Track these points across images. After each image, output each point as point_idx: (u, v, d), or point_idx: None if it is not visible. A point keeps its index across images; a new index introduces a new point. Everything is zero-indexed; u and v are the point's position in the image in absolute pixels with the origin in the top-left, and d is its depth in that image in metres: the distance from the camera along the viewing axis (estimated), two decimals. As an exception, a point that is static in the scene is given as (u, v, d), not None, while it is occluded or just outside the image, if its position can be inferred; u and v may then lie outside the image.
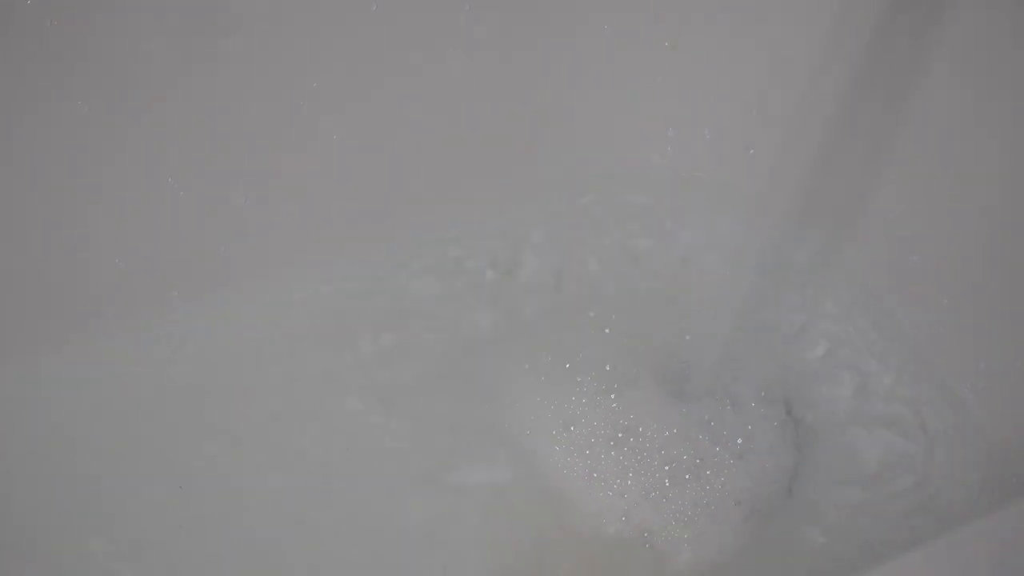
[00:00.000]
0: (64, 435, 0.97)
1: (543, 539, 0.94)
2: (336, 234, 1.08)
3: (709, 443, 0.97)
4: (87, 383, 0.99)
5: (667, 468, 0.96)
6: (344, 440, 0.98)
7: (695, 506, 0.95)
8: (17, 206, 0.94)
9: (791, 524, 0.94)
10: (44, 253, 0.97)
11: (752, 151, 1.14)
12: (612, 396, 1.00)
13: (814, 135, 1.01)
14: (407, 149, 1.09)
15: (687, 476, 0.96)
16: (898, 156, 1.02)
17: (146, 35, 0.91)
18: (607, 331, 1.04)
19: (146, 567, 0.91)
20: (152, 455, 0.96)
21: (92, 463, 0.96)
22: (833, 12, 0.90)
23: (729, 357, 1.02)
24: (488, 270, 1.08)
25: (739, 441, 0.97)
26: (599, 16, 1.08)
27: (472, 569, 0.92)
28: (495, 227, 1.11)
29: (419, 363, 1.02)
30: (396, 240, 1.10)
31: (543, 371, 1.01)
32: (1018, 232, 0.93)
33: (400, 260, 1.09)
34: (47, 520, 0.93)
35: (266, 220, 1.05)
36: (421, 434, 0.98)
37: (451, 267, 1.09)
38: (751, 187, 1.14)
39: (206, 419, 0.99)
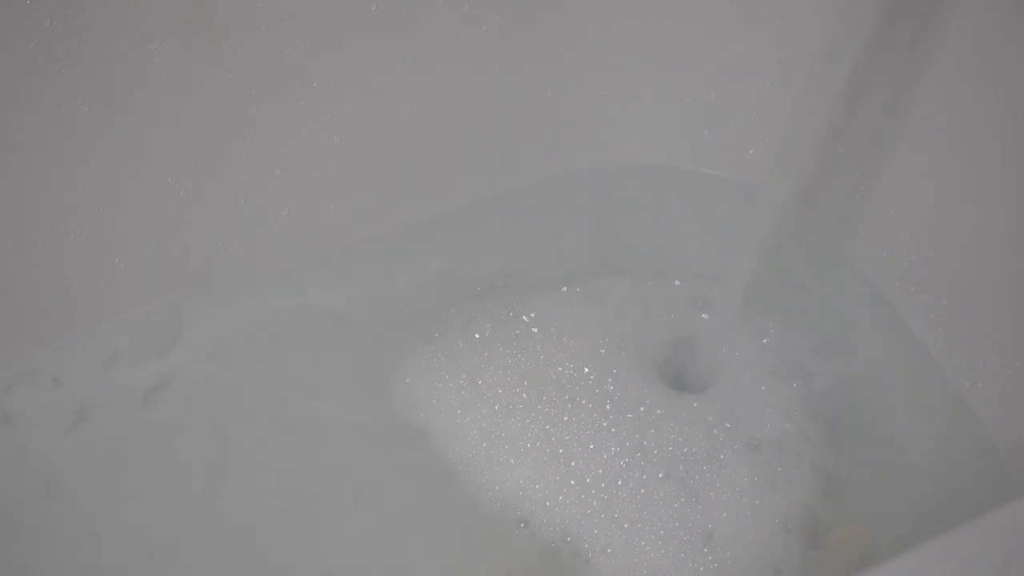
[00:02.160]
0: (63, 434, 0.97)
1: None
2: (337, 234, 1.08)
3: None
4: (86, 382, 0.99)
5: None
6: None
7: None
8: (17, 206, 0.94)
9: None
10: (44, 253, 0.97)
11: (752, 151, 1.14)
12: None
13: (814, 135, 1.01)
14: (408, 150, 1.09)
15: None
16: (898, 155, 1.02)
17: (146, 35, 0.91)
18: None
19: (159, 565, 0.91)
20: (149, 455, 0.97)
21: (89, 461, 0.96)
22: (834, 11, 0.90)
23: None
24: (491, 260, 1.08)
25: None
26: (601, 15, 1.08)
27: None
28: (493, 222, 1.12)
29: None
30: (396, 239, 1.10)
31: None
32: (1019, 232, 0.93)
33: (400, 258, 1.09)
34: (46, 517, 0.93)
35: (266, 220, 1.05)
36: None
37: (451, 268, 1.09)
38: (751, 185, 1.14)
39: (205, 419, 0.99)
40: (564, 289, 1.04)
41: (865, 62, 0.96)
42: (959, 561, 0.63)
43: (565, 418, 0.95)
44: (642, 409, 0.95)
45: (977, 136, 0.94)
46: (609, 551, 0.89)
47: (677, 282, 1.05)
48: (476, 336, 1.01)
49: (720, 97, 1.13)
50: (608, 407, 0.95)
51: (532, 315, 1.02)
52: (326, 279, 1.07)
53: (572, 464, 0.93)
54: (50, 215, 0.96)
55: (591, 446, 0.94)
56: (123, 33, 0.90)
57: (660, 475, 0.92)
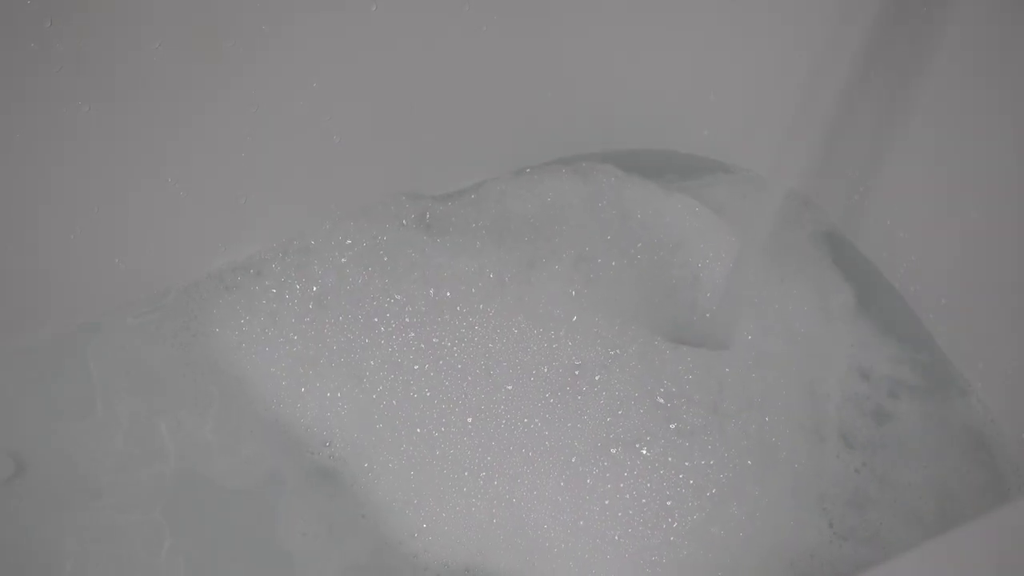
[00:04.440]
0: (61, 432, 0.97)
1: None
2: (337, 234, 1.08)
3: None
4: (86, 381, 1.00)
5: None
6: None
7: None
8: (17, 206, 0.94)
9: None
10: (44, 253, 0.97)
11: (752, 150, 1.14)
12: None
13: (814, 133, 1.01)
14: (408, 150, 1.09)
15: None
16: (897, 156, 1.02)
17: (146, 35, 0.91)
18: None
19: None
20: (147, 448, 0.97)
21: (90, 459, 0.96)
22: (835, 9, 0.90)
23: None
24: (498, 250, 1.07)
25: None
26: (605, 14, 1.08)
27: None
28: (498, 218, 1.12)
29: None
30: (397, 237, 1.10)
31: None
32: (1019, 231, 0.93)
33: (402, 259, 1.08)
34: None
35: (266, 220, 1.05)
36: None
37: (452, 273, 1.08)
38: (754, 179, 1.14)
39: (202, 418, 0.99)
40: (557, 267, 1.04)
41: (865, 62, 0.96)
42: (959, 561, 0.63)
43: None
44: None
45: (977, 136, 0.94)
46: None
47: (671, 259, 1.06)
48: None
49: (720, 95, 1.13)
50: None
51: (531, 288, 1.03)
52: (324, 279, 1.06)
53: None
54: (50, 215, 0.96)
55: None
56: (123, 33, 0.90)
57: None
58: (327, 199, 1.06)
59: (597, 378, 0.95)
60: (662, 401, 0.94)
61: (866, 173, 1.05)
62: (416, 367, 0.98)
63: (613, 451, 0.92)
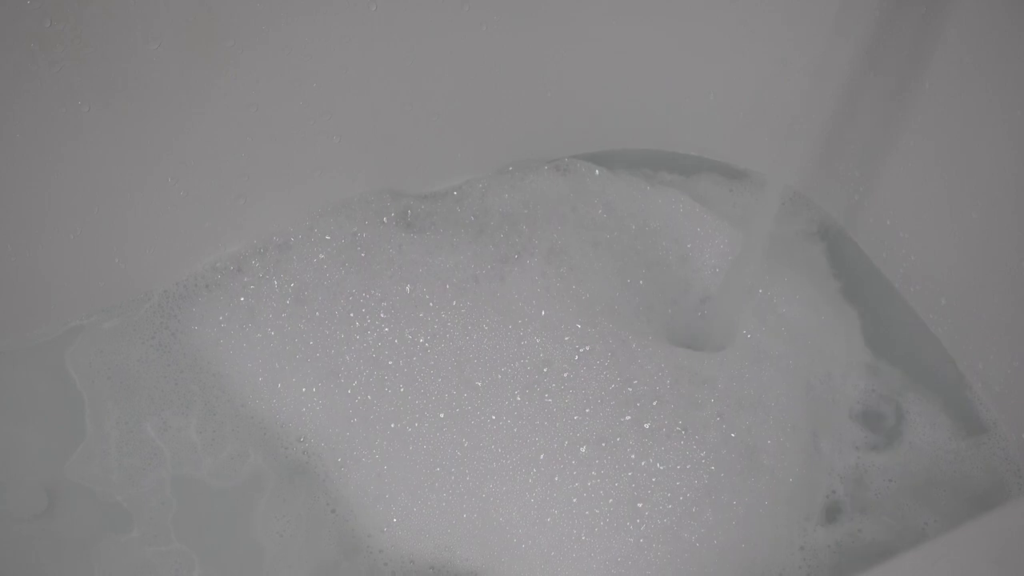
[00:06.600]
0: (62, 431, 0.97)
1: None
2: (336, 234, 1.08)
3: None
4: (87, 379, 1.00)
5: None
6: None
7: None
8: (17, 207, 0.94)
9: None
10: (44, 253, 0.97)
11: (752, 149, 1.14)
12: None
13: (814, 133, 1.01)
14: (408, 150, 1.09)
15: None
16: (896, 157, 1.02)
17: (146, 35, 0.91)
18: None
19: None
20: (146, 448, 0.97)
21: (93, 474, 0.96)
22: (837, 6, 0.90)
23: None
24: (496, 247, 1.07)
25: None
26: (604, 14, 1.08)
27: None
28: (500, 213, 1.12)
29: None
30: (376, 233, 1.10)
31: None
32: (1018, 231, 0.93)
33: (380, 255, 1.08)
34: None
35: (266, 220, 1.05)
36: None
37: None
38: (751, 178, 1.14)
39: (199, 416, 0.99)
40: (530, 262, 1.03)
41: (865, 62, 0.96)
42: (959, 561, 0.63)
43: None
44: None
45: (977, 136, 0.94)
46: None
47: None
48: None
49: (720, 95, 1.13)
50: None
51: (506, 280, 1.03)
52: (302, 275, 1.06)
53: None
54: (50, 215, 0.96)
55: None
56: (123, 33, 0.90)
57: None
58: (321, 198, 1.06)
59: (565, 375, 0.95)
60: (633, 400, 0.94)
61: (866, 173, 1.05)
62: (391, 363, 0.98)
63: (582, 449, 0.92)
